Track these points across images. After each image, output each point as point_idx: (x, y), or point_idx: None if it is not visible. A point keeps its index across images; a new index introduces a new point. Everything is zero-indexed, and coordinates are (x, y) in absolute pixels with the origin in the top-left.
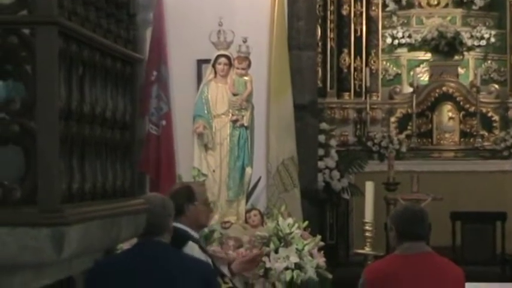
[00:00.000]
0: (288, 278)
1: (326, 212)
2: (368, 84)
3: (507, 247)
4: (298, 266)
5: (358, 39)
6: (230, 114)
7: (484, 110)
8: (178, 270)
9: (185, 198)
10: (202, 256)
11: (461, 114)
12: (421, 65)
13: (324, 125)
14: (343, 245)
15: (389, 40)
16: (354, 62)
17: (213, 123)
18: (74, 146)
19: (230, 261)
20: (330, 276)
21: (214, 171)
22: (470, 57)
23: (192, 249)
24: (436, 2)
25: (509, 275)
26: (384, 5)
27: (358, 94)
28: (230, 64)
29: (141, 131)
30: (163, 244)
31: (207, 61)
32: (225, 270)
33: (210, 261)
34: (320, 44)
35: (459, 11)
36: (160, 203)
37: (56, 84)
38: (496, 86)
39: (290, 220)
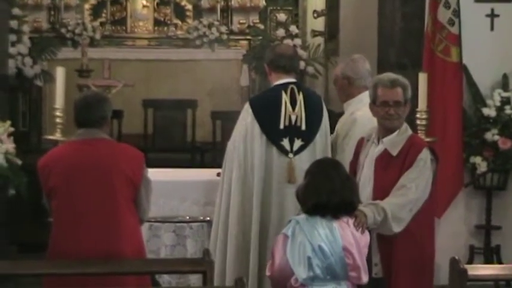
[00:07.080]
0: None
1: (18, 98)
2: None
3: (197, 134)
4: None
5: None
6: None
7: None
8: None
9: None
10: None
11: (155, 3)
12: None
13: (16, 11)
14: (35, 131)
15: None
16: None
17: None
18: None
19: None
20: (19, 162)
21: None
22: None
23: None
24: None
25: (199, 161)
26: None
27: None
28: None
29: None
30: None
31: None
32: None
33: None
34: None
35: None
36: None
37: None
38: None
39: None
